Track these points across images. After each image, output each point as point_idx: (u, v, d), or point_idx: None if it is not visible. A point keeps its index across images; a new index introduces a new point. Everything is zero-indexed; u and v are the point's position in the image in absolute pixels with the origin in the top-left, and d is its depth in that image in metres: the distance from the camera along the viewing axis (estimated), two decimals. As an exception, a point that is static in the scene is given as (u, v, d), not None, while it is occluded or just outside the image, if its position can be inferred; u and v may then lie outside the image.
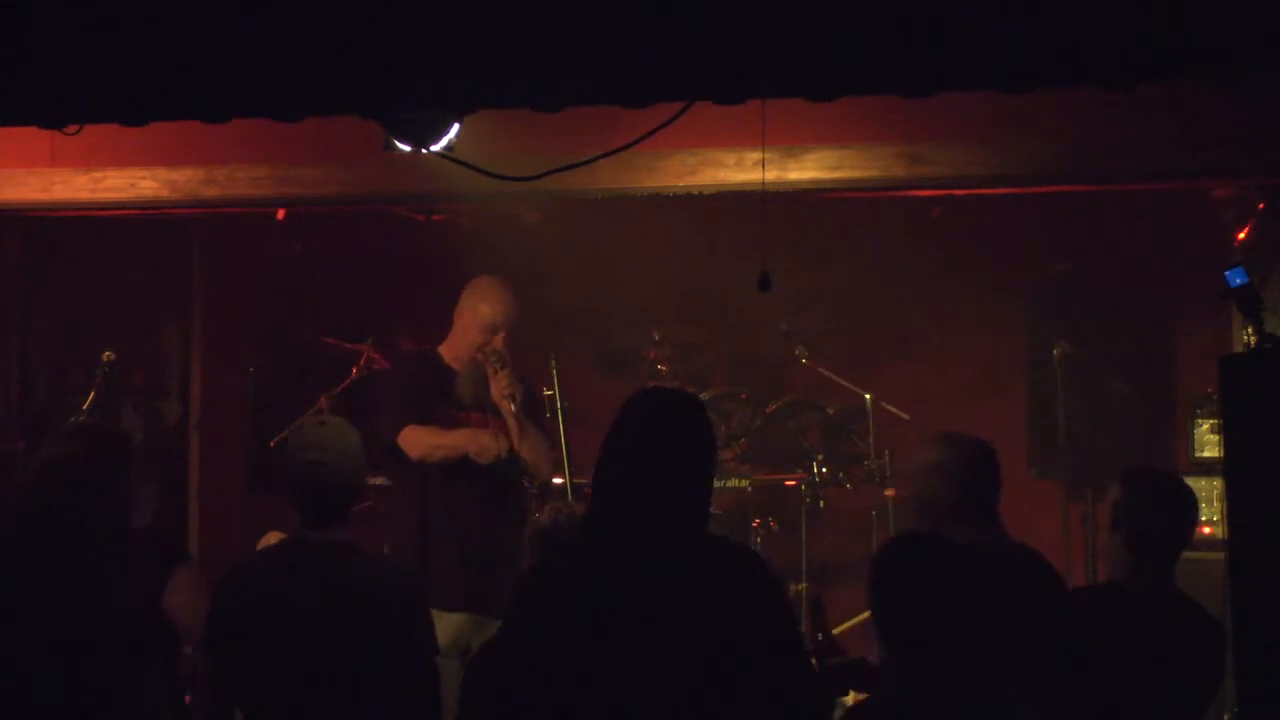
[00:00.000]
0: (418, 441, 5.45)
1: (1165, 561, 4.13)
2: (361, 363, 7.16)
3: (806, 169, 5.66)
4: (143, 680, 3.95)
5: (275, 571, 4.01)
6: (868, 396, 6.88)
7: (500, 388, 5.46)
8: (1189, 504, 4.19)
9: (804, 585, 6.70)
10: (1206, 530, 6.02)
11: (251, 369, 7.92)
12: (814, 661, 3.43)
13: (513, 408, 5.44)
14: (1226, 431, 3.84)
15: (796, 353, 7.13)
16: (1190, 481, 4.26)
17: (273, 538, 4.93)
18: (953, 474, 4.19)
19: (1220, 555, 4.21)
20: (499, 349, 5.48)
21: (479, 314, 5.55)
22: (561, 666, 3.14)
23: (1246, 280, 4.05)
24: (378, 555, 4.12)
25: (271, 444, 7.02)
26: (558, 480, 6.05)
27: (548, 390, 6.12)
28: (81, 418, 5.99)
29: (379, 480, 6.07)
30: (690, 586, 3.14)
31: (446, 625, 5.23)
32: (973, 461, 4.23)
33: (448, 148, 4.49)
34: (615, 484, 3.25)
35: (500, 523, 5.46)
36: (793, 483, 6.94)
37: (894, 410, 6.93)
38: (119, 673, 3.90)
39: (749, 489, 6.84)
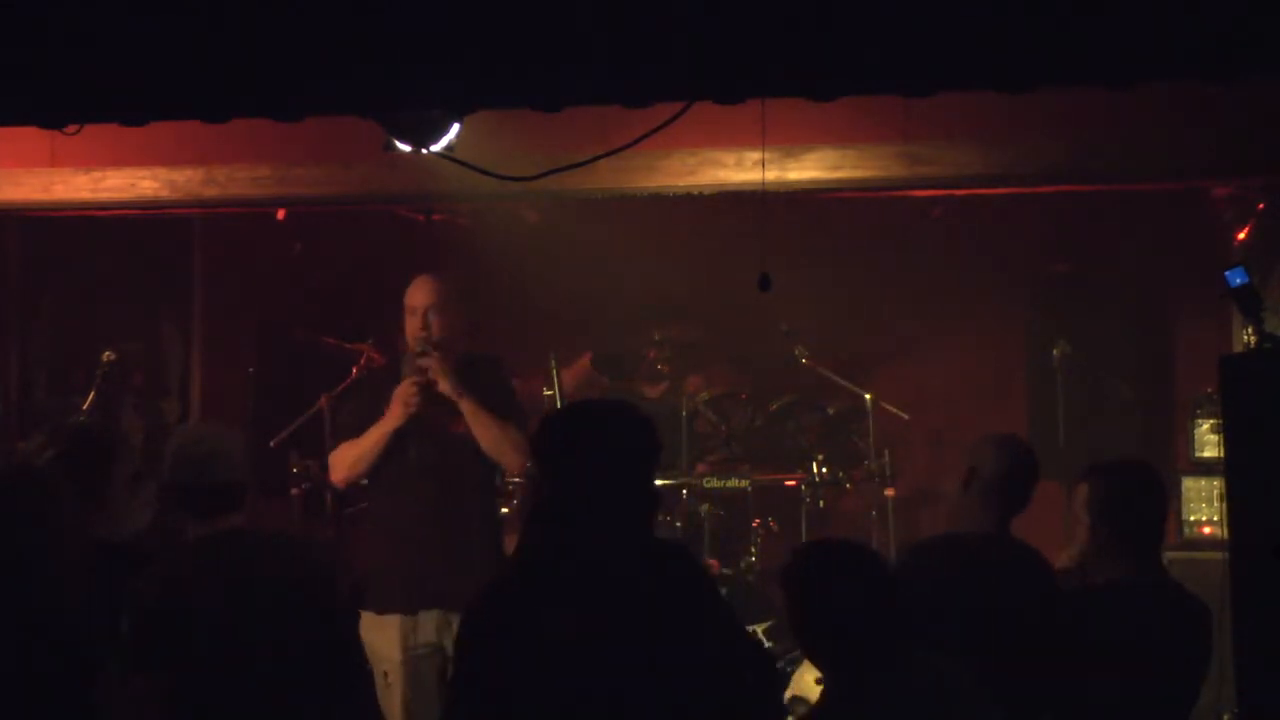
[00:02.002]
0: (340, 464, 5.38)
1: (1152, 551, 4.14)
2: (361, 363, 7.15)
3: (806, 169, 5.67)
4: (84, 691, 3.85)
5: (185, 573, 3.91)
6: (868, 396, 6.87)
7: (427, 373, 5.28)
8: (1161, 491, 4.20)
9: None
10: (1206, 530, 6.01)
11: (251, 369, 7.91)
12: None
13: (444, 389, 5.23)
14: (1226, 431, 3.85)
15: (796, 353, 7.12)
16: (1190, 482, 4.28)
17: None
18: None
19: (1220, 555, 4.22)
20: (425, 335, 5.27)
21: (406, 305, 5.39)
22: (513, 674, 3.15)
23: (1246, 280, 4.06)
24: (278, 534, 4.09)
25: (273, 444, 7.02)
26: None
27: (547, 390, 6.11)
28: (81, 418, 5.99)
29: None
30: (624, 589, 3.17)
31: (414, 626, 5.17)
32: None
33: (448, 148, 4.48)
34: (550, 497, 3.29)
35: (461, 517, 5.28)
36: (793, 483, 6.92)
37: (894, 410, 6.92)
38: (48, 683, 3.78)
39: (749, 489, 6.82)
